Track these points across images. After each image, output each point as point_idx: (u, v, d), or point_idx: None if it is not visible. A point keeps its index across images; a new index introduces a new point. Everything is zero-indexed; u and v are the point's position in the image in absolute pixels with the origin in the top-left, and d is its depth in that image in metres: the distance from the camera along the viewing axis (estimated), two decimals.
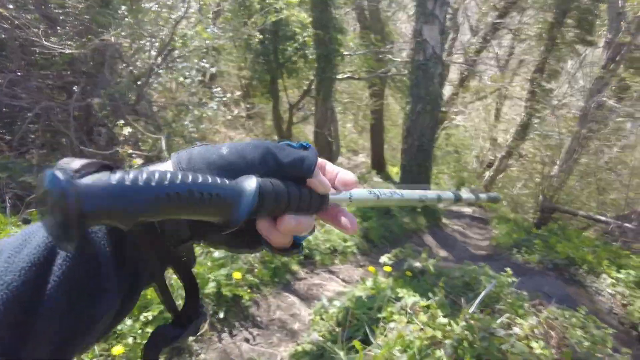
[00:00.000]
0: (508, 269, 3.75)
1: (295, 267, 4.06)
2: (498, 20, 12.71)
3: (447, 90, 12.82)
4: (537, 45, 12.24)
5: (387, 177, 11.55)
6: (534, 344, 2.60)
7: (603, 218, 6.29)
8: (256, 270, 3.57)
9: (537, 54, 12.31)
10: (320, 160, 0.50)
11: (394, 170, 11.73)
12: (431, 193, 0.68)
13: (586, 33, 11.48)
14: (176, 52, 5.90)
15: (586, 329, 3.38)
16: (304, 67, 8.44)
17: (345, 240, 4.86)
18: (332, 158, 7.82)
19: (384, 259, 4.07)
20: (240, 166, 0.42)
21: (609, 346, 3.06)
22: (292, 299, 3.84)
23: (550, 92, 11.13)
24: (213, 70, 8.36)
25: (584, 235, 6.01)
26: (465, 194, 0.78)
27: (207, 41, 6.13)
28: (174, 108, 6.60)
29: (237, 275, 3.09)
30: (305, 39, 7.64)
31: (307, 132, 12.06)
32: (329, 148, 7.72)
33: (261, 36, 7.34)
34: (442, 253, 5.56)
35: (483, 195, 0.88)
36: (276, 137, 9.48)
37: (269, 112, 9.59)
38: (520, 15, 13.98)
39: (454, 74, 14.11)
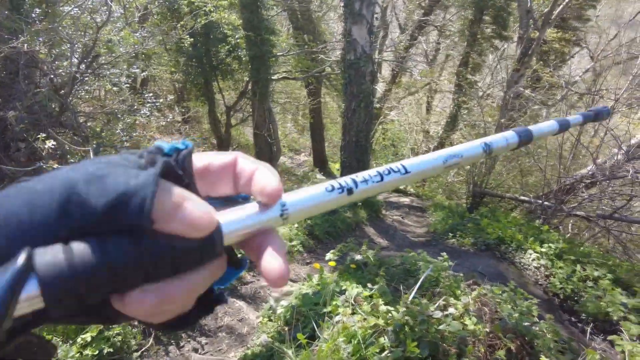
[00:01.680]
0: (444, 254, 3.97)
1: None
2: (424, 18, 13.37)
3: (380, 87, 13.28)
4: (461, 41, 13.05)
5: (329, 174, 11.76)
6: (467, 321, 2.79)
7: (526, 198, 6.86)
8: None
9: (461, 49, 13.09)
10: (227, 157, 0.35)
11: (336, 167, 11.96)
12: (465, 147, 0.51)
13: (502, 29, 12.43)
14: (102, 58, 5.59)
15: (515, 302, 3.67)
16: (239, 68, 8.36)
17: (290, 240, 4.90)
18: (273, 159, 7.83)
19: (329, 255, 4.16)
20: (24, 229, 0.25)
21: (534, 315, 3.34)
22: (240, 303, 3.81)
23: (475, 84, 11.91)
24: (144, 75, 8.03)
25: (511, 216, 6.49)
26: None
27: (136, 46, 5.88)
28: (103, 117, 6.26)
29: None
30: (238, 40, 7.56)
31: (247, 133, 11.94)
32: (269, 149, 7.71)
33: (192, 39, 7.17)
34: (384, 243, 5.78)
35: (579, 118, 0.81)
36: (214, 141, 9.30)
37: (206, 115, 9.39)
38: (444, 13, 14.80)
39: (386, 71, 14.65)
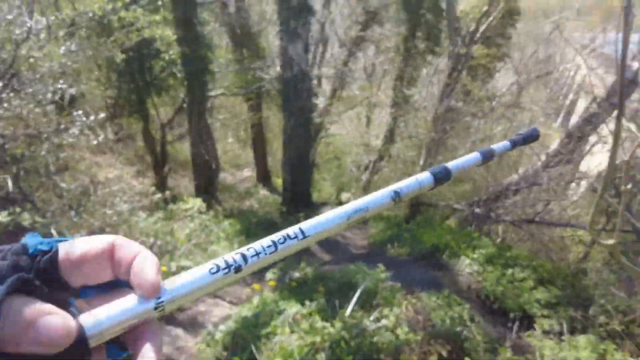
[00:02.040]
0: (381, 265, 4.08)
1: None
2: (361, 34, 13.82)
3: (321, 102, 13.51)
4: (396, 56, 13.61)
5: (273, 189, 11.71)
6: (399, 331, 2.89)
7: (459, 207, 7.24)
8: None
9: (397, 64, 13.67)
10: (103, 243, 0.34)
11: (280, 182, 11.95)
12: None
13: (434, 45, 13.16)
14: (23, 75, 5.21)
15: (448, 308, 3.84)
16: (175, 84, 8.15)
17: None
18: (212, 176, 7.68)
19: (269, 274, 4.14)
20: None
21: (465, 319, 3.52)
22: (177, 331, 3.68)
23: (411, 98, 12.45)
24: (72, 92, 7.58)
25: (445, 224, 6.83)
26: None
27: (62, 61, 5.55)
28: (25, 139, 5.82)
29: None
30: (173, 56, 7.39)
31: (185, 149, 11.61)
32: (207, 166, 7.56)
33: (124, 55, 6.90)
34: (326, 257, 5.83)
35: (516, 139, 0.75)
36: (149, 159, 8.97)
37: (140, 133, 9.04)
38: (380, 28, 15.38)
39: (326, 86, 14.92)
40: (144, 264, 0.33)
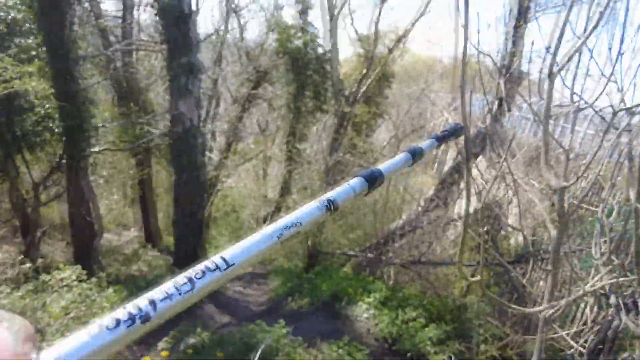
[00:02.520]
0: (281, 321, 4.04)
1: None
2: (253, 92, 14.31)
3: (216, 155, 13.39)
4: (287, 113, 14.29)
5: (162, 249, 10.93)
6: None
7: (353, 253, 7.60)
8: None
9: (288, 120, 14.31)
10: None
11: (171, 240, 11.25)
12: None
13: (321, 104, 14.15)
14: None
15: (350, 355, 3.91)
16: (51, 140, 7.38)
17: None
18: (93, 238, 6.94)
19: (161, 344, 3.80)
20: None
21: None
22: None
23: (303, 152, 13.04)
24: None
25: (342, 271, 7.06)
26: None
27: None
28: None
29: None
30: (49, 110, 6.75)
31: (62, 210, 10.35)
32: (88, 228, 6.83)
33: None
34: (225, 318, 5.56)
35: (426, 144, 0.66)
36: (17, 223, 7.82)
37: (6, 194, 7.88)
38: (272, 87, 16.11)
39: (221, 139, 14.91)
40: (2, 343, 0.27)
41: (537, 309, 1.78)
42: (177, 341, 3.99)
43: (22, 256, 5.90)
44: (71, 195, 6.65)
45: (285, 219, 0.44)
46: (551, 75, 1.56)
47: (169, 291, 0.32)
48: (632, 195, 1.54)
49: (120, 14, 10.84)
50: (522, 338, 3.35)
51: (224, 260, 0.36)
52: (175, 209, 6.79)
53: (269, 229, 0.42)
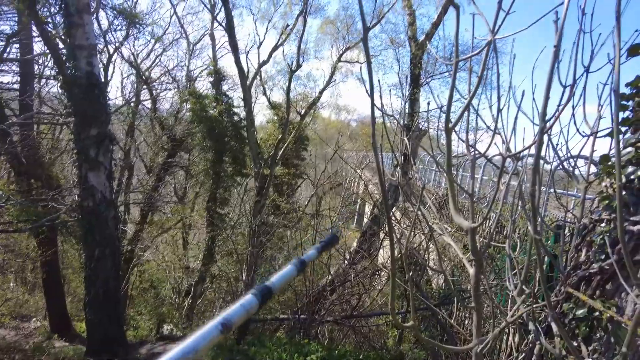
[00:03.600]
0: None
1: None
2: (168, 160, 14.00)
3: (130, 228, 12.57)
4: (207, 179, 14.13)
5: (74, 337, 9.64)
6: None
7: (284, 317, 7.40)
8: None
9: (208, 186, 14.11)
10: None
11: (82, 327, 9.99)
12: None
13: (241, 167, 14.28)
14: None
15: None
16: None
17: None
18: None
19: None
20: None
21: None
22: None
23: (225, 217, 12.81)
24: None
25: (275, 337, 6.79)
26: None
27: None
28: None
29: None
30: None
31: None
32: None
33: None
34: None
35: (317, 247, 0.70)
36: None
37: None
38: (188, 155, 15.92)
39: (135, 211, 14.12)
40: None
41: (468, 346, 1.93)
42: None
43: None
44: None
45: (178, 348, 0.45)
46: (447, 130, 1.84)
47: None
48: (530, 229, 1.81)
49: (17, 86, 10.24)
50: None
51: None
52: (87, 289, 6.14)
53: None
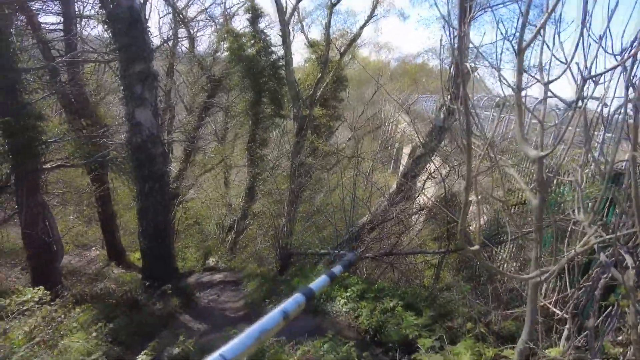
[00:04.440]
0: None
1: None
2: (208, 100, 14.09)
3: (175, 167, 13.03)
4: (246, 120, 14.19)
5: (129, 266, 10.47)
6: None
7: (324, 251, 7.62)
8: None
9: (247, 127, 14.21)
10: None
11: (136, 256, 10.79)
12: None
13: (279, 109, 14.18)
14: None
15: (335, 350, 3.92)
16: None
17: (89, 354, 4.06)
18: (54, 260, 6.52)
19: (140, 357, 3.64)
20: None
21: (354, 357, 3.63)
22: None
23: (265, 157, 12.98)
24: None
25: (316, 270, 7.05)
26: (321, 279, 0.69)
27: None
28: None
29: None
30: None
31: (13, 234, 9.66)
32: (47, 249, 6.41)
33: None
34: (203, 327, 5.41)
35: (338, 268, 0.81)
36: None
37: None
38: (227, 95, 15.94)
39: (178, 151, 14.55)
40: None
41: (529, 275, 1.87)
42: (157, 353, 3.84)
43: None
44: (24, 216, 6.23)
45: (249, 332, 0.51)
46: (520, 51, 1.67)
47: None
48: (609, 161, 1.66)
49: (61, 26, 10.35)
50: (504, 313, 3.50)
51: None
52: (140, 221, 6.52)
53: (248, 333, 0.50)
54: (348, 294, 5.53)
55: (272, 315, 0.51)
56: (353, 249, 6.98)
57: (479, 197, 1.74)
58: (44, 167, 6.39)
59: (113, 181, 10.85)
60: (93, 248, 11.92)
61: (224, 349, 0.43)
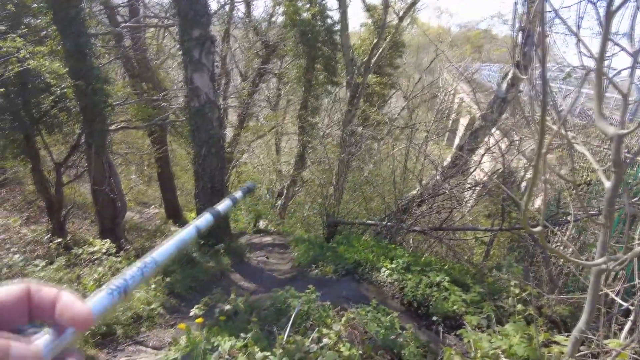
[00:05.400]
0: (310, 286, 4.08)
1: (92, 351, 3.45)
2: (263, 67, 14.15)
3: (229, 132, 13.40)
4: (298, 87, 14.15)
5: (184, 224, 11.08)
6: (342, 348, 2.90)
7: (372, 222, 7.61)
8: None
9: (299, 94, 14.18)
10: (16, 291, 0.37)
11: (192, 216, 11.41)
12: (189, 228, 0.61)
13: (332, 75, 13.97)
14: None
15: (379, 319, 3.96)
16: (68, 120, 7.42)
17: (149, 303, 4.42)
18: (118, 216, 7.05)
19: (194, 311, 3.88)
20: None
21: (397, 327, 3.65)
22: None
23: (316, 125, 12.96)
24: None
25: (363, 239, 7.09)
26: (222, 204, 0.74)
27: None
28: None
29: None
30: (64, 90, 6.75)
31: (83, 190, 10.56)
32: (112, 205, 6.93)
33: (2, 89, 6.10)
34: (252, 286, 5.67)
35: (239, 193, 0.84)
36: (43, 203, 7.98)
37: (29, 176, 8.03)
38: (280, 62, 15.93)
39: (233, 117, 14.90)
40: (72, 302, 0.37)
41: (595, 262, 1.75)
42: (209, 308, 4.08)
43: (50, 234, 6.05)
44: (93, 174, 6.73)
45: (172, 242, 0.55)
46: (608, 14, 1.49)
47: (132, 274, 0.46)
48: None
49: None
50: (559, 298, 3.34)
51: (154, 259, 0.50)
52: (196, 183, 6.83)
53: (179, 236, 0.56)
54: (393, 266, 5.52)
55: (189, 230, 0.59)
56: (401, 222, 6.91)
57: (547, 175, 1.61)
58: (109, 128, 6.79)
59: (172, 143, 11.37)
60: (152, 206, 12.74)
61: (154, 254, 0.51)
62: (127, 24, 9.01)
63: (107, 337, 3.71)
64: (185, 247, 0.58)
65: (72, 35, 6.23)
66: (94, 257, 4.60)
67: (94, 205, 7.37)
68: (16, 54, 5.86)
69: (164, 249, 0.53)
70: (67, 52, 6.36)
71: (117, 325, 3.83)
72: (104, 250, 4.68)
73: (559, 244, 5.73)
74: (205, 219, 0.66)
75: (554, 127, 1.74)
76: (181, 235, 0.57)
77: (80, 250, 4.60)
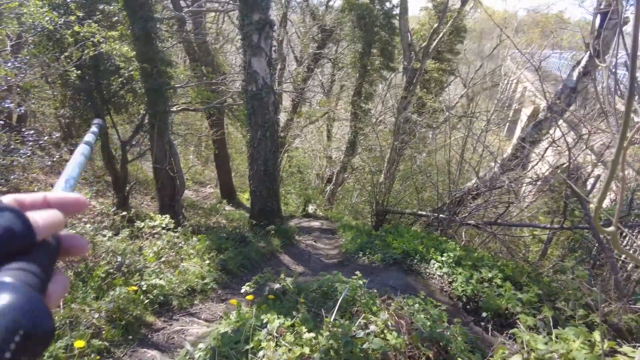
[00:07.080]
0: (358, 272, 4.08)
1: (150, 318, 3.69)
2: (318, 51, 14.12)
3: (283, 117, 13.59)
4: (353, 72, 13.99)
5: (238, 205, 11.48)
6: (389, 336, 2.89)
7: (423, 213, 7.44)
8: (103, 332, 3.12)
9: (353, 80, 14.02)
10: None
11: (245, 197, 11.79)
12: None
13: (388, 61, 13.66)
14: None
15: (426, 311, 3.89)
16: (134, 101, 7.89)
17: (202, 278, 4.64)
18: (177, 193, 7.43)
19: (245, 288, 4.01)
20: None
21: (444, 320, 3.57)
22: (152, 353, 3.48)
23: (369, 112, 12.80)
24: (20, 110, 7.16)
25: (412, 230, 6.97)
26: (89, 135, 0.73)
27: (8, 78, 5.24)
28: None
29: (79, 344, 2.59)
30: (131, 73, 7.16)
31: (145, 168, 11.24)
32: (172, 183, 7.31)
33: (79, 71, 6.59)
34: (300, 269, 5.78)
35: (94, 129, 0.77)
36: (109, 178, 8.59)
37: (98, 152, 8.67)
38: (336, 46, 15.81)
39: (287, 101, 15.07)
40: (62, 195, 0.45)
41: None
42: (259, 286, 4.20)
43: (115, 208, 6.50)
44: (155, 152, 7.11)
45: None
46: None
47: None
48: None
49: None
50: (629, 307, 3.10)
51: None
52: (250, 165, 7.03)
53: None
54: (444, 259, 5.38)
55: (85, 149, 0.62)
56: (454, 214, 6.70)
57: (624, 172, 1.47)
58: (170, 109, 7.13)
59: (228, 126, 11.72)
60: (208, 186, 13.30)
61: (68, 175, 0.52)
62: (189, 8, 9.31)
63: (163, 307, 3.95)
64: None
65: (140, 20, 6.55)
66: (154, 232, 4.90)
67: (154, 183, 7.81)
68: (91, 39, 6.26)
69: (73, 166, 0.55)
70: (135, 36, 6.72)
71: (173, 297, 4.06)
72: (163, 225, 4.96)
73: (628, 247, 5.30)
74: (91, 135, 0.67)
75: (638, 119, 1.58)
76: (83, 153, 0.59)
77: (142, 224, 4.90)
